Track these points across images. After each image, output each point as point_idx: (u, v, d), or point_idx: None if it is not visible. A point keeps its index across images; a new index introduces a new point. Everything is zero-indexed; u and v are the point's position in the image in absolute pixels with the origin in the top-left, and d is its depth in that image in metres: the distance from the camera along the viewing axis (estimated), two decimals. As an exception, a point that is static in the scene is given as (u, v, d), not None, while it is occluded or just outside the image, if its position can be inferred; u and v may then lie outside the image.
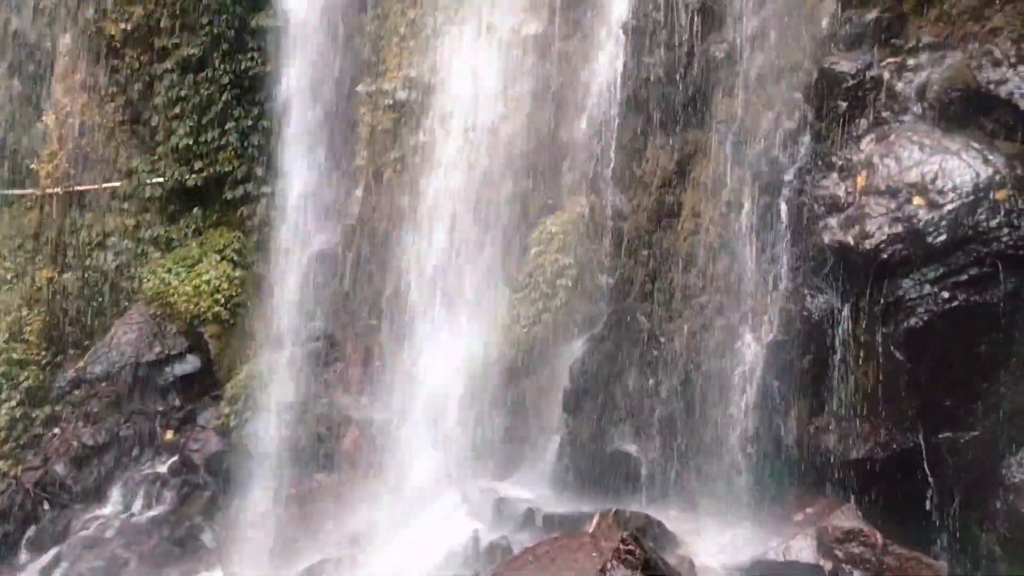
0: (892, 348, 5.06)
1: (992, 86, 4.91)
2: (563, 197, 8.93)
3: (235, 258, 11.18)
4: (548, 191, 9.08)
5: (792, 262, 5.95)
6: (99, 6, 11.53)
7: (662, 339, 7.17)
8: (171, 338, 10.75)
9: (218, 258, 11.08)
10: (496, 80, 9.20)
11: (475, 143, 9.36)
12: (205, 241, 11.36)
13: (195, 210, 11.67)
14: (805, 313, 5.71)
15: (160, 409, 10.55)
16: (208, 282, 10.78)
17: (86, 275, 11.63)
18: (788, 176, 6.15)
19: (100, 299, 11.62)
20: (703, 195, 7.02)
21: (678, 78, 7.35)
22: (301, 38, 10.67)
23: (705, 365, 6.68)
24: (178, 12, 11.26)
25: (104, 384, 10.52)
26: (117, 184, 11.95)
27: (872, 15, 5.93)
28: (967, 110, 5.06)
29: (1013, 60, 4.84)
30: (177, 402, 10.67)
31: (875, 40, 5.85)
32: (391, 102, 10.31)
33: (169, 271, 10.96)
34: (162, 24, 11.33)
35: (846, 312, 5.32)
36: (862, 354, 5.29)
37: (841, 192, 5.44)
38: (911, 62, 5.50)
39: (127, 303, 11.40)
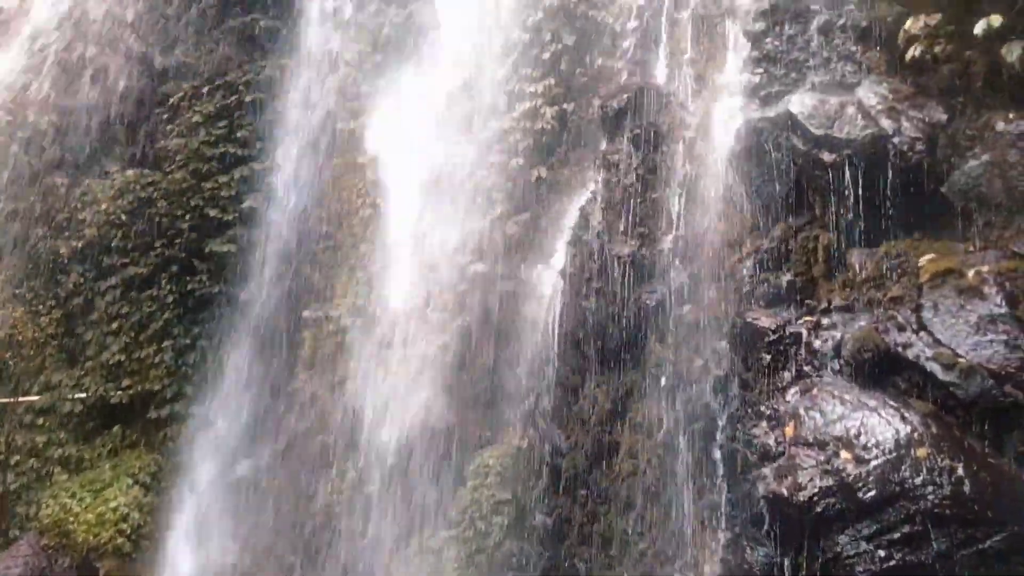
0: (836, 608, 4.90)
1: (900, 349, 5.31)
2: (501, 430, 8.90)
3: (149, 482, 10.47)
4: (486, 423, 9.07)
5: (729, 510, 5.90)
6: (52, 224, 11.80)
7: (601, 589, 6.81)
8: (61, 574, 9.63)
9: (130, 482, 10.35)
10: (441, 312, 9.53)
11: (416, 372, 9.45)
12: (119, 463, 10.68)
13: (114, 429, 11.10)
14: (746, 566, 5.55)
15: (30, 664, 9.16)
16: (115, 509, 9.95)
17: (-21, 498, 10.65)
18: (721, 422, 6.31)
19: (-11, 527, 10.54)
20: (640, 436, 7.10)
21: (613, 322, 7.74)
22: (256, 264, 11.04)
23: (647, 620, 6.31)
24: (132, 234, 11.58)
25: (-32, 631, 9.18)
26: (35, 398, 11.41)
27: (787, 277, 6.51)
28: (880, 369, 5.41)
29: (915, 327, 5.30)
30: (52, 655, 9.31)
31: (791, 300, 6.37)
32: (335, 328, 10.48)
33: (73, 496, 10.11)
34: (113, 244, 11.58)
35: (787, 567, 5.20)
36: (806, 614, 5.09)
37: (771, 441, 5.56)
38: (825, 322, 5.96)
39: (19, 532, 10.34)
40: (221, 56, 12.04)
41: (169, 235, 11.50)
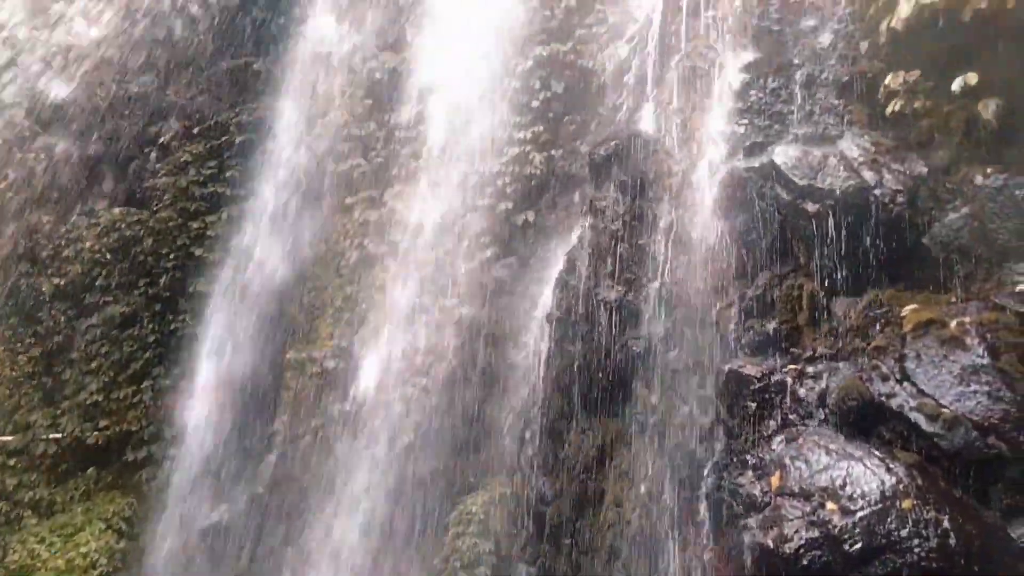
0: (824, 665, 4.79)
1: (884, 398, 5.31)
2: (486, 476, 8.77)
3: (122, 527, 10.17)
4: (471, 469, 8.93)
5: (715, 561, 5.80)
6: (36, 261, 11.70)
7: (585, 643, 6.64)
8: (26, 622, 9.29)
9: (103, 527, 10.04)
10: (426, 355, 9.47)
11: (399, 416, 9.34)
12: (92, 507, 10.37)
13: (89, 471, 10.83)
14: (732, 619, 5.45)
15: None
16: (85, 555, 9.63)
17: (-58, 543, 10.28)
18: (706, 471, 6.25)
19: (-49, 573, 10.17)
20: (625, 484, 7.01)
21: (599, 367, 7.70)
22: (241, 304, 10.95)
23: (632, 676, 6.14)
24: (116, 272, 11.49)
25: None
26: (9, 438, 11.14)
27: (772, 325, 6.52)
28: (865, 419, 5.39)
29: (899, 376, 5.30)
30: None
31: (776, 347, 6.37)
32: (318, 370, 10.37)
33: (42, 541, 9.78)
34: (97, 283, 11.47)
35: (774, 622, 5.10)
36: (794, 670, 4.97)
37: (757, 491, 5.50)
38: (810, 370, 5.96)
39: (-17, 578, 9.99)
40: (213, 97, 12.14)
41: (154, 274, 11.41)
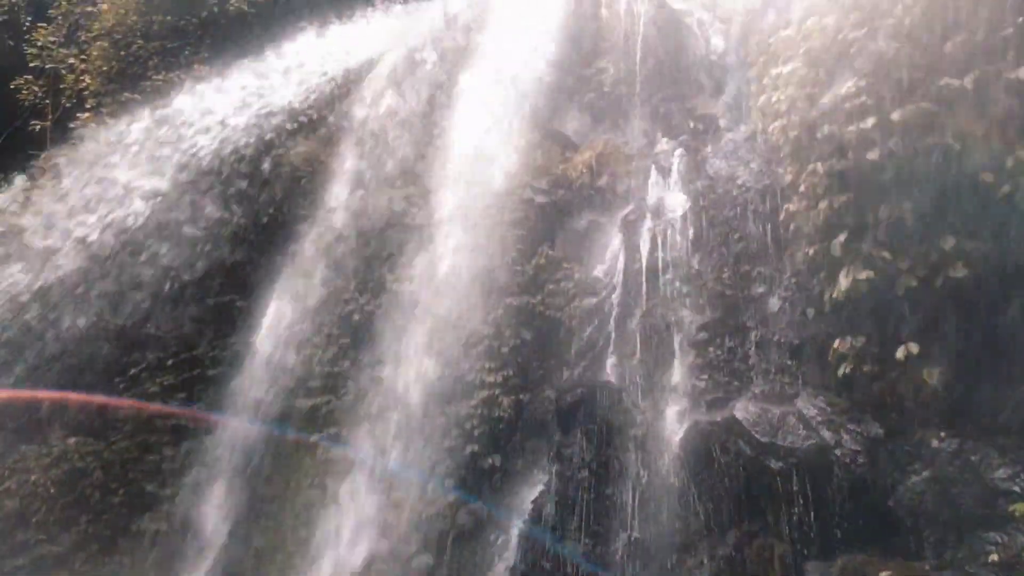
0: None
1: None
2: None
3: None
4: None
5: None
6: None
7: None
8: None
9: None
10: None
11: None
12: None
13: None
14: None
15: None
16: None
17: None
18: None
19: None
20: None
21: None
22: (185, 545, 10.27)
23: None
24: (57, 508, 10.79)
25: None
26: None
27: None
28: None
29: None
30: None
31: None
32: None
33: None
34: (34, 519, 10.76)
35: None
36: None
37: None
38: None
39: None
40: (194, 332, 12.33)
41: (98, 510, 10.72)
